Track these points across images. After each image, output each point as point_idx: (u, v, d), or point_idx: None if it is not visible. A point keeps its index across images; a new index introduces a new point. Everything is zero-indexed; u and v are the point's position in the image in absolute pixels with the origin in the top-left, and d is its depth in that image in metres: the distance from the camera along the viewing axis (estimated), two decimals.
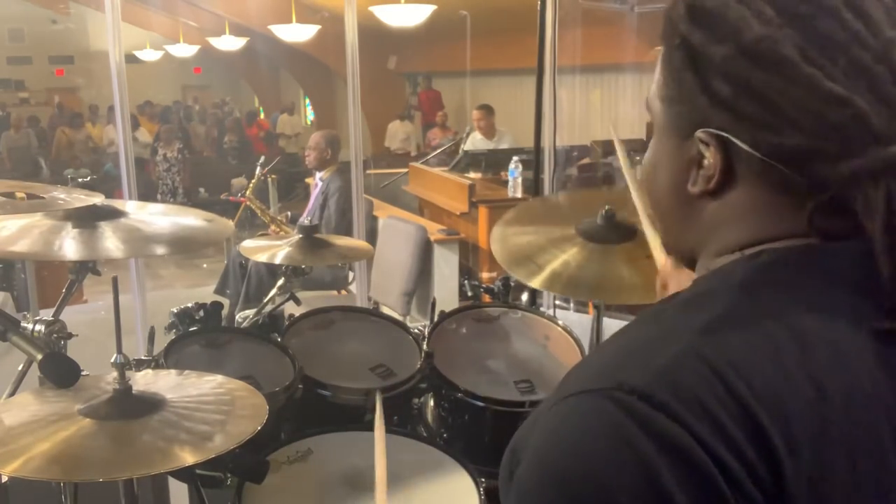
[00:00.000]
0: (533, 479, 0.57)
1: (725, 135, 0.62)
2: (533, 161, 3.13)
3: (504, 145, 6.60)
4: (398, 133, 11.34)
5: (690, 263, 0.72)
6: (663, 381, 0.55)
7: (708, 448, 0.52)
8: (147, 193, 8.40)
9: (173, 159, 9.67)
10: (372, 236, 4.57)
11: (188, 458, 1.19)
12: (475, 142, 6.76)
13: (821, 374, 0.56)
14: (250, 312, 2.20)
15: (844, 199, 0.59)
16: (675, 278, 1.02)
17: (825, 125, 0.58)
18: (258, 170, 5.57)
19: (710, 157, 0.63)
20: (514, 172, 5.35)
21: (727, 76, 0.61)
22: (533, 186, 3.13)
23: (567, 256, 1.78)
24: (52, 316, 1.53)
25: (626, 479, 0.52)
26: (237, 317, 2.38)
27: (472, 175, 6.18)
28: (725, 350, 0.56)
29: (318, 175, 4.80)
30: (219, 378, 1.48)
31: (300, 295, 2.24)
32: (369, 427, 1.70)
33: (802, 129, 0.59)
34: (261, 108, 15.49)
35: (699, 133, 0.63)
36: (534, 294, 2.87)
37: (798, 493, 0.53)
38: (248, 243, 2.21)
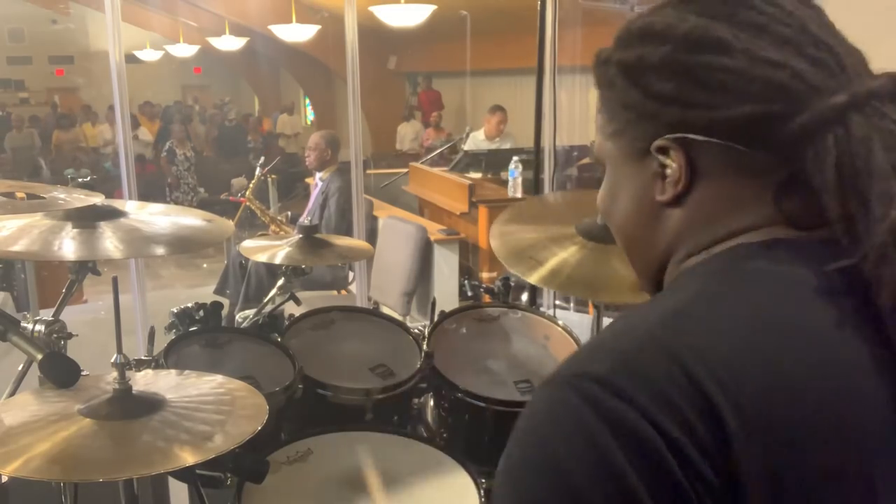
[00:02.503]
0: (508, 462, 0.60)
1: (682, 134, 0.65)
2: (533, 161, 3.13)
3: (506, 146, 6.60)
4: (408, 134, 11.37)
5: (659, 285, 0.74)
6: (622, 368, 0.57)
7: (661, 429, 0.54)
8: (149, 193, 8.40)
9: (192, 158, 9.71)
10: (372, 236, 4.57)
11: (188, 458, 1.18)
12: (477, 142, 6.75)
13: (781, 356, 0.58)
14: (250, 312, 2.20)
15: (803, 175, 0.62)
16: None
17: (769, 87, 0.62)
18: (258, 170, 5.57)
19: (673, 162, 0.66)
20: (514, 172, 5.35)
21: (669, 73, 0.65)
22: (533, 186, 3.13)
23: (566, 254, 1.78)
24: (52, 316, 1.53)
25: (582, 462, 0.55)
26: (237, 317, 2.38)
27: (472, 175, 6.18)
28: (683, 334, 0.58)
29: (318, 175, 4.80)
30: (219, 378, 1.48)
31: (300, 295, 2.24)
32: (369, 427, 1.71)
33: (748, 96, 0.62)
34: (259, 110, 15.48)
35: (656, 143, 0.66)
36: (534, 294, 2.87)
37: (753, 474, 0.54)
38: (248, 243, 2.21)
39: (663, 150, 0.66)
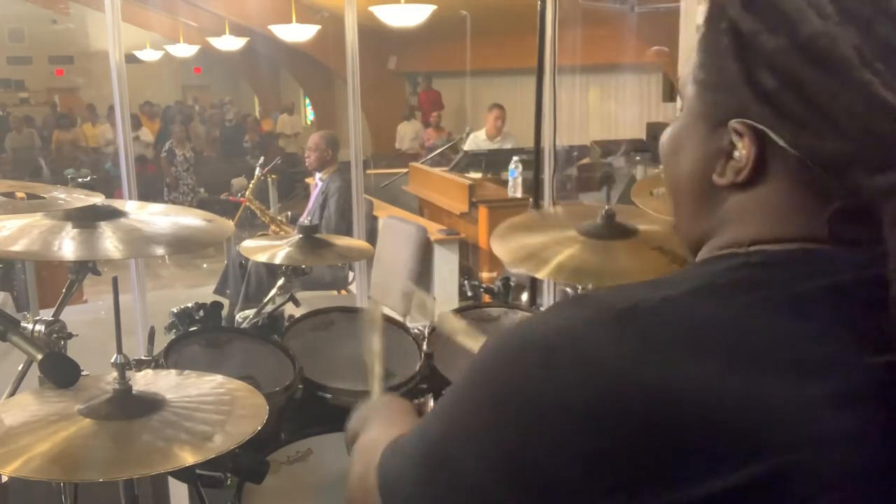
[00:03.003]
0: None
1: (764, 129, 0.59)
2: (533, 161, 3.12)
3: (507, 146, 6.61)
4: (407, 133, 11.37)
5: (695, 250, 0.70)
6: (566, 330, 0.59)
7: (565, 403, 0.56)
8: (149, 193, 8.40)
9: (191, 159, 9.71)
10: (372, 236, 4.57)
11: (188, 458, 1.18)
12: (478, 141, 6.75)
13: (704, 380, 0.55)
14: (250, 312, 2.20)
15: (870, 209, 0.57)
16: None
17: (871, 134, 0.56)
18: (258, 170, 5.57)
19: (743, 149, 0.61)
20: (514, 172, 5.35)
21: (775, 69, 0.59)
22: (533, 186, 3.12)
23: (572, 251, 1.78)
24: (52, 316, 1.53)
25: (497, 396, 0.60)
26: (237, 317, 2.38)
27: (472, 175, 6.18)
28: (642, 332, 0.57)
29: (318, 175, 4.80)
30: (219, 378, 1.48)
31: (300, 295, 2.24)
32: None
33: (846, 135, 0.56)
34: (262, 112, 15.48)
35: (734, 123, 0.61)
36: (534, 294, 2.86)
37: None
38: (248, 243, 2.21)
39: (739, 132, 0.61)
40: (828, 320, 0.57)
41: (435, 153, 7.63)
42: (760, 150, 0.60)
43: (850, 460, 0.54)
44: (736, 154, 0.62)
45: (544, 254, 1.77)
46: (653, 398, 0.54)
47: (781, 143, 0.59)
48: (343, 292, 4.72)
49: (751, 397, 0.54)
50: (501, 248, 1.84)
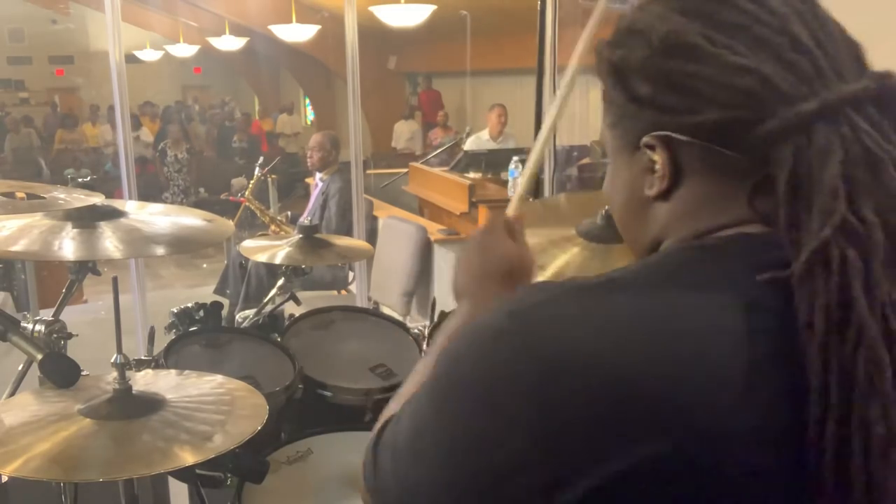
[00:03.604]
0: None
1: (663, 133, 0.66)
2: None
3: (508, 146, 6.60)
4: (404, 133, 11.37)
5: None
6: (526, 310, 0.63)
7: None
8: (149, 194, 8.40)
9: (184, 160, 9.69)
10: (372, 236, 4.57)
11: (188, 458, 1.19)
12: (480, 141, 6.75)
13: (641, 361, 0.57)
14: (250, 312, 2.20)
15: (775, 178, 0.62)
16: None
17: (736, 94, 0.62)
18: (257, 170, 5.56)
19: (658, 159, 0.68)
20: (514, 172, 5.35)
21: (646, 76, 0.67)
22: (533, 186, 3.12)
23: (568, 257, 1.77)
24: (52, 316, 1.53)
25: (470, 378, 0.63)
26: (237, 317, 2.38)
27: (472, 175, 6.18)
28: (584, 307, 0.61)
29: (319, 175, 4.80)
30: (219, 378, 1.48)
31: (300, 295, 2.24)
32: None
33: (718, 102, 0.63)
34: (260, 111, 15.48)
35: (644, 140, 0.68)
36: None
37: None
38: (248, 243, 2.21)
39: (650, 147, 0.68)
40: (757, 299, 0.60)
41: (439, 150, 7.63)
42: (670, 152, 0.67)
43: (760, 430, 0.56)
44: (656, 167, 0.69)
45: (541, 259, 1.77)
46: (591, 376, 0.57)
47: (681, 137, 0.66)
48: (343, 292, 4.72)
49: (679, 376, 0.57)
50: None
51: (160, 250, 1.58)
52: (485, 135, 6.76)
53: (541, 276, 1.76)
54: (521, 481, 0.57)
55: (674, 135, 0.66)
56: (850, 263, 0.57)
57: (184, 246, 1.66)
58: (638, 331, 0.58)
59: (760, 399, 0.57)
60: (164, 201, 8.82)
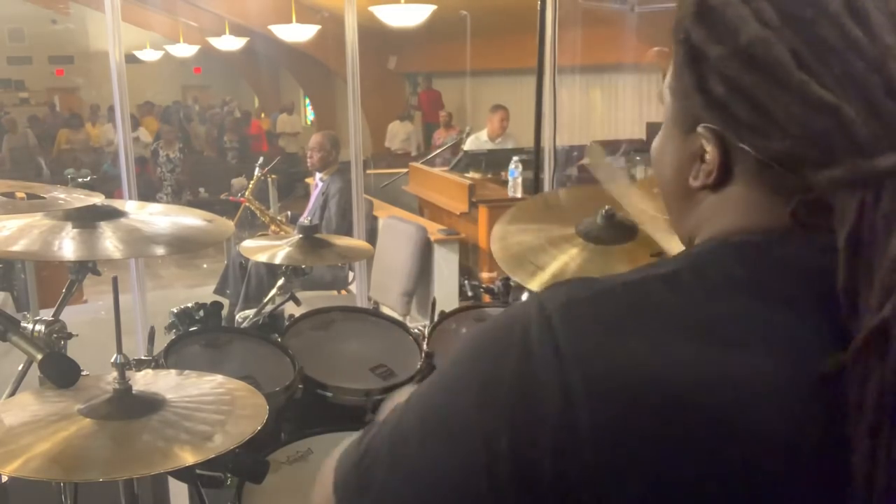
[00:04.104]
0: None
1: (723, 132, 0.63)
2: (533, 161, 3.13)
3: (508, 146, 6.61)
4: (398, 133, 11.34)
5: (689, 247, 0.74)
6: (565, 306, 0.61)
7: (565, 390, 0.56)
8: (145, 194, 8.40)
9: (176, 160, 9.68)
10: (372, 236, 4.57)
11: (188, 458, 1.19)
12: (479, 141, 6.75)
13: (667, 367, 0.56)
14: (250, 312, 2.20)
15: (828, 201, 0.59)
16: None
17: (810, 132, 0.58)
18: (257, 170, 5.57)
19: (710, 152, 0.64)
20: (514, 172, 5.35)
21: (721, 76, 0.62)
22: (533, 186, 3.13)
23: (567, 257, 1.77)
24: (52, 316, 1.53)
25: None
26: (237, 317, 2.38)
27: (472, 175, 6.18)
28: (609, 310, 0.60)
29: (319, 175, 4.80)
30: (219, 378, 1.48)
31: (300, 295, 2.24)
32: None
33: (789, 134, 0.59)
34: (257, 109, 15.47)
35: (700, 128, 0.64)
36: None
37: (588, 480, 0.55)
38: (248, 243, 2.21)
39: (706, 137, 0.64)
40: (788, 301, 0.59)
41: (441, 149, 7.63)
42: (724, 152, 0.64)
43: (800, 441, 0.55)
44: (707, 157, 0.65)
45: (540, 259, 1.77)
46: (615, 380, 0.56)
47: (740, 144, 0.62)
48: (343, 292, 4.72)
49: (719, 377, 0.56)
50: (498, 248, 1.83)
51: (160, 250, 1.58)
52: (483, 135, 6.76)
53: (540, 277, 1.76)
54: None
55: (735, 141, 0.62)
56: None
57: (184, 246, 1.66)
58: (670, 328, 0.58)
59: (804, 450, 0.55)
60: (158, 202, 8.82)
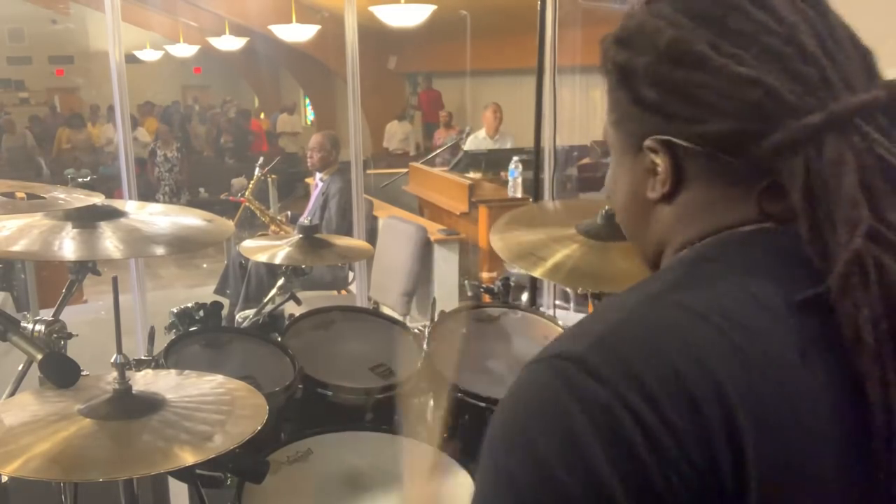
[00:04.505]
0: (490, 433, 0.62)
1: (667, 137, 0.66)
2: (533, 161, 3.12)
3: (505, 145, 6.62)
4: (396, 133, 11.34)
5: (656, 265, 0.76)
6: (598, 347, 0.58)
7: (633, 410, 0.55)
8: (147, 194, 8.40)
9: (174, 159, 9.68)
10: (372, 236, 4.57)
11: (188, 458, 1.19)
12: (477, 141, 6.77)
13: (748, 346, 0.58)
14: (250, 312, 2.20)
15: (784, 183, 0.62)
16: None
17: (743, 106, 0.62)
18: (257, 170, 5.57)
19: (661, 162, 0.67)
20: (514, 172, 5.35)
21: (652, 82, 0.66)
22: (533, 186, 3.12)
23: (569, 251, 1.77)
24: (52, 316, 1.53)
25: (552, 440, 0.56)
26: (237, 317, 2.38)
27: (472, 175, 6.18)
28: (662, 317, 0.60)
29: (319, 175, 4.80)
30: (219, 378, 1.48)
31: (300, 295, 2.24)
32: (369, 427, 1.70)
33: (724, 113, 0.63)
34: (256, 109, 15.47)
35: (646, 143, 0.68)
36: (534, 294, 2.87)
37: (732, 470, 0.55)
38: (248, 243, 2.21)
39: (653, 150, 0.68)
40: (780, 293, 0.61)
41: (442, 149, 7.64)
42: (673, 157, 0.67)
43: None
44: (658, 169, 0.68)
45: (541, 252, 1.77)
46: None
47: (682, 142, 0.65)
48: (343, 292, 4.72)
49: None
50: (500, 244, 1.84)
51: (160, 250, 1.58)
52: (482, 133, 6.79)
53: (541, 268, 1.76)
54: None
55: (677, 140, 0.66)
56: (887, 270, 0.57)
57: (184, 246, 1.66)
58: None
59: (823, 409, 0.57)
60: (156, 202, 8.80)
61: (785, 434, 0.56)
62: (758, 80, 0.62)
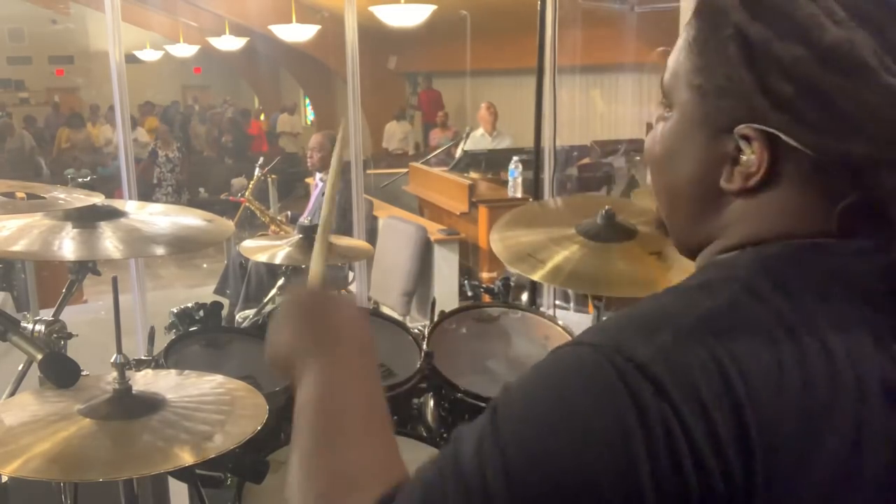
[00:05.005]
0: (511, 404, 0.59)
1: (779, 134, 0.59)
2: (533, 161, 3.12)
3: (502, 145, 6.63)
4: (396, 133, 11.34)
5: (692, 255, 0.71)
6: (661, 358, 0.55)
7: (688, 432, 0.53)
8: (146, 193, 8.40)
9: (176, 159, 9.68)
10: (372, 236, 4.57)
11: (188, 458, 1.19)
12: (475, 141, 6.78)
13: (816, 383, 0.56)
14: (250, 312, 2.20)
15: (882, 205, 0.58)
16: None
17: (894, 133, 0.57)
18: (257, 170, 5.57)
19: (752, 154, 0.61)
20: (514, 172, 5.35)
21: (792, 77, 0.58)
22: (533, 186, 3.12)
23: (568, 253, 1.78)
24: (52, 316, 1.53)
25: (604, 432, 0.54)
26: (237, 317, 2.38)
27: (472, 175, 6.18)
28: (728, 343, 0.56)
29: (319, 175, 4.80)
30: (219, 378, 1.48)
31: None
32: None
33: (869, 136, 0.57)
34: (257, 110, 15.47)
35: (744, 129, 0.61)
36: (534, 294, 2.87)
37: (765, 495, 0.54)
38: (248, 243, 2.21)
39: (747, 138, 0.61)
40: (847, 306, 0.59)
41: (438, 151, 7.65)
42: (773, 153, 0.60)
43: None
44: (743, 159, 0.62)
45: (540, 254, 1.77)
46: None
47: (799, 147, 0.59)
48: (343, 292, 4.72)
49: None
50: (499, 245, 1.84)
51: (160, 250, 1.58)
52: (479, 132, 6.83)
53: (541, 270, 1.76)
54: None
55: (788, 139, 0.59)
56: None
57: (184, 246, 1.66)
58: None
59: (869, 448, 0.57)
60: (155, 202, 8.79)
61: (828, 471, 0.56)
62: None
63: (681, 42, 0.66)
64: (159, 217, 1.71)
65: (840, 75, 0.57)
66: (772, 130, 0.59)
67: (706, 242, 0.68)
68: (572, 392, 0.56)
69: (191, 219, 1.74)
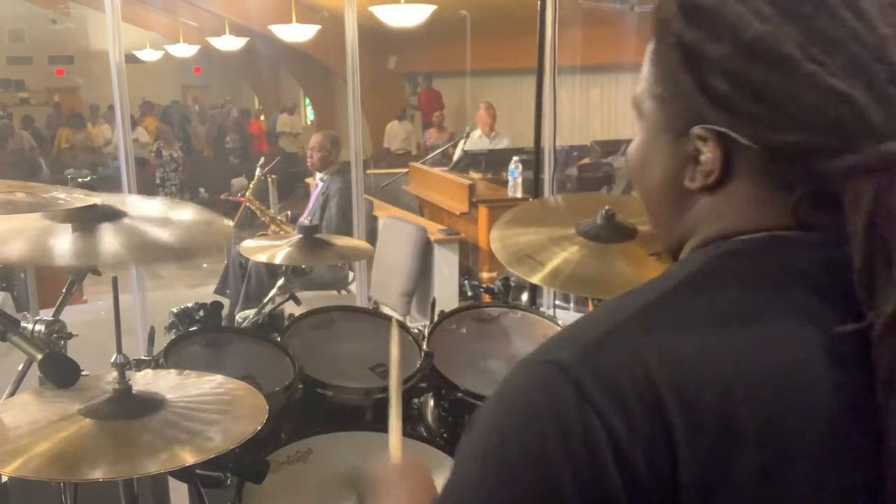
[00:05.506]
0: (473, 427, 0.63)
1: (725, 130, 0.62)
2: (533, 161, 3.13)
3: (501, 145, 6.64)
4: (398, 133, 11.34)
5: (676, 253, 0.74)
6: (585, 357, 0.58)
7: (607, 424, 0.55)
8: (147, 193, 8.40)
9: (179, 158, 9.70)
10: (372, 236, 4.58)
11: (188, 458, 1.18)
12: (474, 141, 6.79)
13: (747, 368, 0.57)
14: (250, 312, 2.20)
15: (832, 193, 0.60)
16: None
17: (825, 121, 0.58)
18: (258, 170, 5.57)
19: (709, 153, 0.64)
20: (514, 172, 5.35)
21: (725, 74, 0.61)
22: (533, 186, 3.12)
23: (567, 254, 1.77)
24: (52, 316, 1.53)
25: (522, 438, 0.58)
26: (237, 317, 2.38)
27: (472, 175, 6.18)
28: (653, 334, 0.59)
29: (319, 175, 4.80)
30: (219, 378, 1.48)
31: (300, 295, 2.24)
32: (369, 427, 1.70)
33: (801, 124, 0.59)
34: (257, 110, 15.47)
35: (696, 129, 0.64)
36: (534, 294, 2.87)
37: (689, 481, 0.55)
38: (248, 243, 2.21)
39: (702, 138, 0.64)
40: (800, 296, 0.60)
41: (435, 153, 7.66)
42: (725, 151, 0.63)
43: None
44: (702, 158, 0.65)
45: (540, 255, 1.77)
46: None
47: (743, 141, 0.62)
48: (343, 292, 4.72)
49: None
50: (498, 246, 1.84)
51: (161, 256, 1.58)
52: (477, 133, 6.84)
53: (540, 273, 1.76)
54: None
55: (735, 136, 0.62)
56: None
57: (185, 253, 1.65)
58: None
59: (841, 450, 0.58)
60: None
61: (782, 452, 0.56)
62: (848, 97, 0.58)
63: (645, 55, 0.70)
64: (160, 218, 1.71)
65: (765, 68, 0.60)
66: (719, 129, 0.62)
67: (683, 240, 0.71)
68: (504, 407, 0.61)
69: (191, 213, 1.73)
